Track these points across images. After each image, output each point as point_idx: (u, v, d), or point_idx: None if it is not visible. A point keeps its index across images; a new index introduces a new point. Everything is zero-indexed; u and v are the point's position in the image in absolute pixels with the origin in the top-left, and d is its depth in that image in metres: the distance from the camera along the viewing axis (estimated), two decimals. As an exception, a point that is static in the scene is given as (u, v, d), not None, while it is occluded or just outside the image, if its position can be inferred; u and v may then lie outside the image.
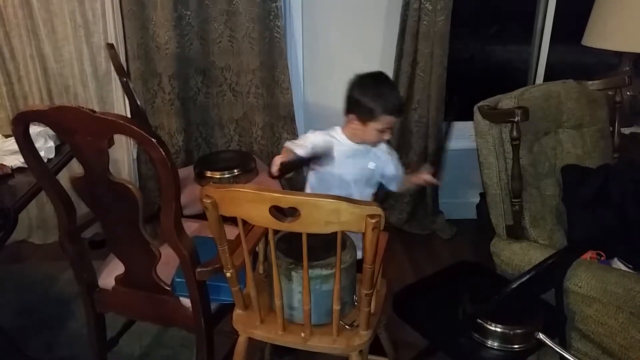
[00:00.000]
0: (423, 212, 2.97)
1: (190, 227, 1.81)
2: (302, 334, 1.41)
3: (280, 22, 2.50)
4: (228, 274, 1.39)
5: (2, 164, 1.88)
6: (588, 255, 1.86)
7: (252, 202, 1.22)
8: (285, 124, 2.70)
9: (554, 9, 2.81)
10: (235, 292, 1.44)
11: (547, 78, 2.92)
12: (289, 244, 1.41)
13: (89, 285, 1.69)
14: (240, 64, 2.60)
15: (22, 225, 2.72)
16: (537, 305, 1.61)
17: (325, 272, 1.37)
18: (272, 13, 2.48)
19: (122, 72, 2.15)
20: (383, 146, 1.77)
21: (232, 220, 1.29)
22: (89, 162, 1.38)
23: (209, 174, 2.25)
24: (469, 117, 1.94)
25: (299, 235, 1.23)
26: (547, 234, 1.88)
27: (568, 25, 2.77)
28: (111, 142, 1.33)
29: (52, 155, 1.99)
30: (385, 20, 2.69)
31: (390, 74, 2.66)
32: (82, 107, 1.30)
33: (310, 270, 1.32)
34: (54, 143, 2.02)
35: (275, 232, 1.30)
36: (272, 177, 1.61)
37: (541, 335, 1.48)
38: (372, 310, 1.41)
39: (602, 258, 1.88)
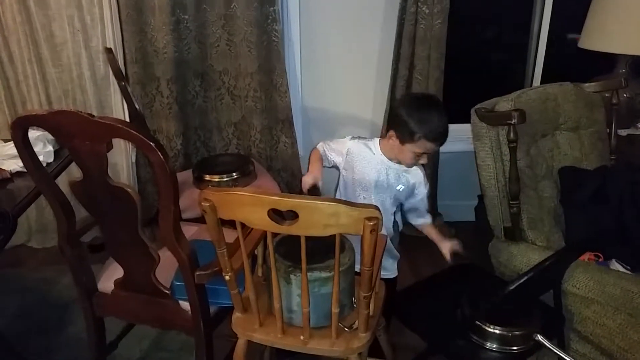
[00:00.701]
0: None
1: (189, 231, 1.81)
2: (301, 337, 1.41)
3: (278, 26, 2.51)
4: (227, 277, 1.39)
5: (1, 168, 1.88)
6: (586, 256, 1.86)
7: (251, 206, 1.22)
8: (283, 127, 2.70)
9: (550, 12, 2.82)
10: (234, 295, 1.44)
11: (544, 81, 2.94)
12: (288, 247, 1.41)
13: (88, 289, 1.70)
14: (238, 67, 2.61)
15: (21, 230, 2.72)
16: (535, 307, 1.62)
17: (324, 274, 1.37)
18: (270, 17, 2.49)
19: (120, 77, 2.16)
20: (419, 176, 1.76)
21: (231, 224, 1.29)
22: (88, 166, 1.38)
23: (207, 177, 2.25)
24: (466, 119, 1.95)
25: (297, 238, 1.24)
26: (545, 235, 1.89)
27: (565, 28, 2.78)
28: (110, 146, 1.33)
29: (51, 160, 1.99)
30: (382, 24, 2.70)
31: (387, 77, 2.67)
32: (81, 112, 1.30)
33: (309, 273, 1.33)
34: (53, 147, 2.01)
35: (274, 235, 1.31)
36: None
37: (539, 337, 1.48)
38: (370, 313, 1.41)
39: (600, 259, 1.89)
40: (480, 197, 2.01)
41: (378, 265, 1.45)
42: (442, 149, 2.76)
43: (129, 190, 1.39)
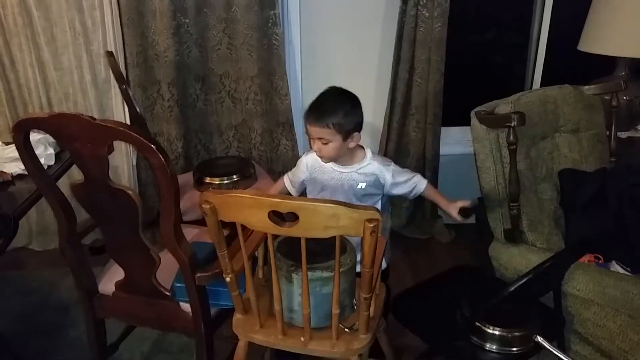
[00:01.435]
0: (422, 217, 2.98)
1: (190, 233, 1.82)
2: (302, 338, 1.42)
3: (278, 30, 2.52)
4: (228, 279, 1.39)
5: (2, 171, 1.89)
6: (586, 258, 1.87)
7: (251, 208, 1.23)
8: (283, 130, 2.71)
9: (550, 15, 2.83)
10: (235, 296, 1.45)
11: (543, 83, 2.94)
12: (290, 246, 1.41)
13: (89, 291, 1.70)
14: (238, 71, 2.62)
15: (22, 232, 2.73)
16: (535, 308, 1.62)
17: (325, 274, 1.37)
18: (271, 20, 2.50)
19: (121, 80, 2.16)
20: (374, 166, 1.73)
21: (231, 226, 1.30)
22: (89, 168, 1.39)
23: (208, 180, 2.26)
24: (466, 122, 1.95)
25: (300, 238, 1.24)
26: (545, 237, 1.89)
27: (564, 31, 2.79)
28: (111, 149, 1.34)
29: (52, 162, 2.00)
30: (382, 27, 2.71)
31: (387, 80, 2.68)
32: (82, 115, 1.31)
33: (310, 273, 1.33)
34: (54, 150, 2.02)
35: (275, 236, 1.31)
36: None
37: (539, 338, 1.48)
38: (371, 314, 1.41)
39: (600, 261, 1.89)
40: (481, 199, 2.01)
41: (379, 266, 1.45)
42: (442, 151, 2.81)
43: (130, 192, 1.40)
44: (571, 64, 2.73)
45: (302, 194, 1.88)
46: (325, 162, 1.73)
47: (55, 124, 1.35)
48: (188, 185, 2.29)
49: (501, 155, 1.87)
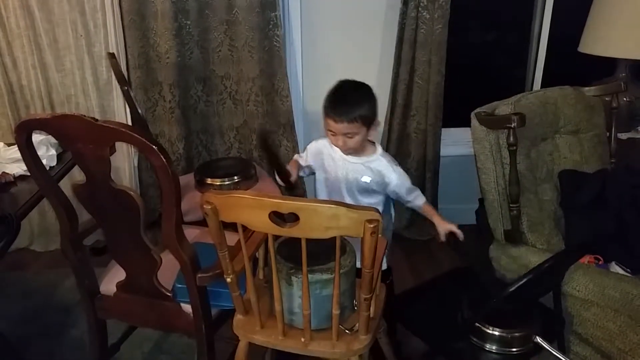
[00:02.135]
0: (422, 218, 2.96)
1: (191, 234, 1.82)
2: (302, 339, 1.42)
3: (279, 31, 2.53)
4: (228, 280, 1.40)
5: (4, 172, 1.90)
6: (586, 259, 1.87)
7: (252, 208, 1.23)
8: (285, 131, 2.72)
9: (550, 16, 2.84)
10: (235, 297, 1.45)
11: (544, 84, 2.95)
12: (290, 248, 1.42)
13: (90, 292, 1.71)
14: (240, 72, 2.63)
15: (23, 233, 2.73)
16: (535, 309, 1.63)
17: (325, 276, 1.38)
18: (272, 22, 2.51)
19: (123, 81, 2.17)
20: (382, 164, 1.76)
21: (232, 227, 1.30)
22: (91, 169, 1.39)
23: (209, 181, 2.26)
24: (466, 123, 1.96)
25: (300, 240, 1.25)
26: (545, 238, 1.89)
27: (565, 32, 2.79)
28: (113, 150, 1.35)
29: (54, 163, 2.01)
30: (383, 29, 2.71)
31: (388, 81, 2.69)
32: (84, 116, 1.32)
33: (310, 275, 1.34)
34: (56, 151, 2.03)
35: (275, 237, 1.32)
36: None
37: (539, 339, 1.49)
38: (371, 315, 1.42)
39: (600, 262, 1.89)
40: (481, 201, 2.02)
41: (379, 267, 1.46)
42: (443, 152, 2.81)
43: (131, 193, 1.41)
44: (571, 65, 2.74)
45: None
46: (348, 154, 1.74)
47: (57, 125, 1.36)
48: (189, 186, 2.30)
49: (501, 157, 1.88)
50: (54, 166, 2.00)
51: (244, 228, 1.29)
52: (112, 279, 1.68)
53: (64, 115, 1.36)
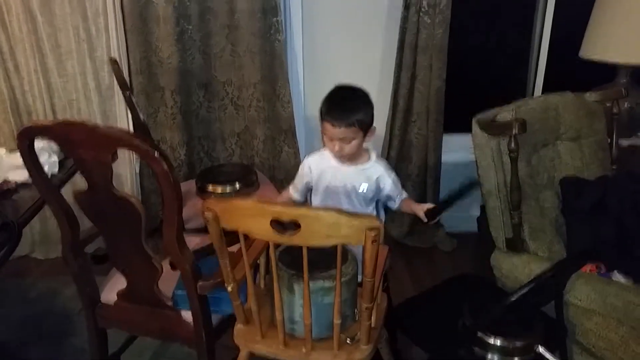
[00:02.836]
0: (424, 226, 2.97)
1: (192, 241, 1.82)
2: (303, 349, 1.41)
3: (281, 37, 2.53)
4: (229, 288, 1.40)
5: (6, 180, 1.89)
6: (588, 267, 1.86)
7: (253, 216, 1.23)
8: (286, 137, 2.71)
9: (552, 21, 2.84)
10: (236, 306, 1.45)
11: (545, 90, 2.94)
12: (292, 256, 1.42)
13: (91, 300, 1.70)
14: (241, 77, 2.63)
15: (24, 241, 2.72)
16: (537, 318, 1.61)
17: (327, 284, 1.38)
18: (273, 27, 2.51)
19: (125, 87, 2.17)
20: (379, 169, 1.76)
21: (234, 235, 1.30)
22: (93, 176, 1.39)
23: (210, 187, 2.25)
24: (467, 129, 1.95)
25: (302, 247, 1.24)
26: (547, 246, 1.89)
27: (566, 38, 2.79)
28: (115, 157, 1.35)
29: (55, 170, 2.00)
30: (384, 34, 2.72)
31: (389, 86, 2.69)
32: (87, 122, 1.32)
33: (312, 282, 1.33)
34: (58, 157, 2.03)
35: (276, 245, 1.31)
36: None
37: (541, 349, 1.48)
38: (372, 324, 1.41)
39: (602, 271, 1.88)
40: (483, 208, 2.01)
41: (380, 276, 1.45)
42: (444, 159, 2.81)
43: (133, 200, 1.40)
44: (572, 71, 2.74)
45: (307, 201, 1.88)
46: (344, 162, 1.73)
47: (59, 131, 1.36)
48: (190, 193, 2.29)
49: (502, 163, 1.87)
50: (55, 173, 1.99)
51: (245, 236, 1.29)
52: (113, 288, 1.67)
53: (66, 122, 1.38)
